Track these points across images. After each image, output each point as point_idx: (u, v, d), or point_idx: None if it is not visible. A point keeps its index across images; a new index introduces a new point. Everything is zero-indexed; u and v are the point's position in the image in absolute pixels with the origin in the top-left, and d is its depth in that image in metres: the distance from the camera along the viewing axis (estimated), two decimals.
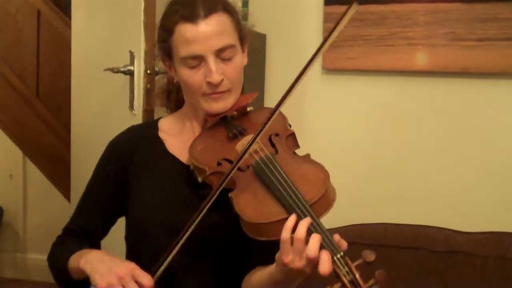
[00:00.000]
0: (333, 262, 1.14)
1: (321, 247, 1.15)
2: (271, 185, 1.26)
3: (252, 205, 1.25)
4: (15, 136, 3.70)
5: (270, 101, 2.44)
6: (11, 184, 3.75)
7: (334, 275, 1.14)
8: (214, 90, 1.40)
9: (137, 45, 2.14)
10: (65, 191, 3.32)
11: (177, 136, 1.52)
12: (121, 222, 1.54)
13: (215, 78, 1.38)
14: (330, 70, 2.56)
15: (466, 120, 2.41)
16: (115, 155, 1.52)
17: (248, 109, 1.52)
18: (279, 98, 1.28)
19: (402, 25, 2.44)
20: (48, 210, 3.59)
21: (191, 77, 1.40)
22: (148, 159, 1.49)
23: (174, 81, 1.51)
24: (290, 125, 1.45)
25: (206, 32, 1.37)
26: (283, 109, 1.32)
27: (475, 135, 2.39)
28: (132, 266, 1.28)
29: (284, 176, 1.26)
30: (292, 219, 1.18)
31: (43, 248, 1.66)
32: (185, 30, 1.38)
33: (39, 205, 3.70)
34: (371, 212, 2.44)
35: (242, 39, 1.46)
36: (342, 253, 1.15)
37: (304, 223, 1.16)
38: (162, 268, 1.28)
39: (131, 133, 1.57)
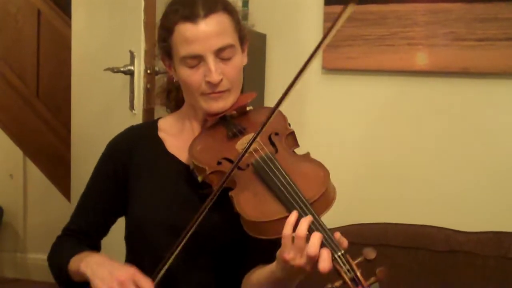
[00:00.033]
0: (334, 260, 1.14)
1: (322, 245, 1.15)
2: (271, 183, 1.26)
3: (252, 204, 1.25)
4: (15, 136, 3.70)
5: (270, 101, 2.44)
6: (11, 184, 3.74)
7: (335, 273, 1.14)
8: (213, 89, 1.40)
9: (137, 45, 2.13)
10: (65, 191, 3.32)
11: (177, 136, 1.52)
12: (121, 222, 1.54)
13: (215, 77, 1.38)
14: (330, 70, 2.56)
15: (466, 120, 2.41)
16: (115, 154, 1.52)
17: (248, 108, 1.52)
18: (279, 97, 1.28)
19: (402, 25, 2.44)
20: (48, 210, 3.58)
21: (191, 76, 1.41)
22: (148, 159, 1.49)
23: (174, 81, 1.52)
24: (289, 124, 1.45)
25: (206, 31, 1.37)
26: (283, 108, 1.32)
27: (475, 135, 2.39)
28: (132, 271, 1.28)
29: (284, 174, 1.26)
30: (294, 215, 1.18)
31: (43, 248, 1.66)
32: (185, 29, 1.38)
33: (39, 205, 3.69)
34: (371, 211, 2.44)
35: (242, 39, 1.46)
36: (343, 251, 1.15)
37: (306, 221, 1.16)
38: (163, 272, 1.28)
39: (131, 133, 1.57)
